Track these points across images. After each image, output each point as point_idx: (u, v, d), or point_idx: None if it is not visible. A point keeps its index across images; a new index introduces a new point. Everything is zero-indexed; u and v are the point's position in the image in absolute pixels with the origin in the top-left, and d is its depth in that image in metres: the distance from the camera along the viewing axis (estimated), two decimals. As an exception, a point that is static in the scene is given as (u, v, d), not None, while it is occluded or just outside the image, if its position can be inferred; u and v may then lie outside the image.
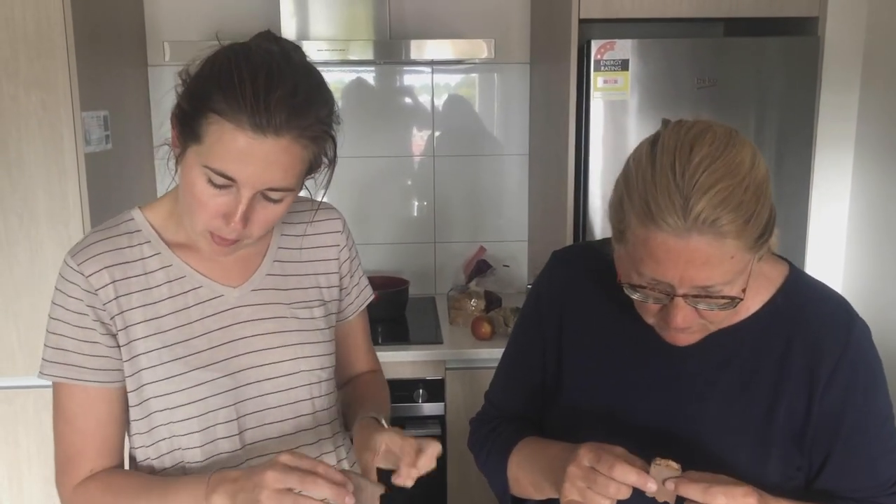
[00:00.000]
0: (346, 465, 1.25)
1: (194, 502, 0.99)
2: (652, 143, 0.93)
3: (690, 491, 0.88)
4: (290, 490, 0.91)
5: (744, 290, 0.93)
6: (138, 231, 1.12)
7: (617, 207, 0.95)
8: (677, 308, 0.93)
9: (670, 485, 0.89)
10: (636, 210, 0.90)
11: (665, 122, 0.96)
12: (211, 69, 0.99)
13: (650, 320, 0.99)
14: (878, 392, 1.03)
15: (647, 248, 0.90)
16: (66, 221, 2.08)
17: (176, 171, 1.05)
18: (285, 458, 0.93)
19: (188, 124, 0.99)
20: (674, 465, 0.91)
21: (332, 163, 1.06)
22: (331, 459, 1.21)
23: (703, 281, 0.89)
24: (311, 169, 1.05)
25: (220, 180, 0.98)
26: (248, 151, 0.96)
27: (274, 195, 1.01)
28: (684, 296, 0.91)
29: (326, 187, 1.07)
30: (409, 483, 1.01)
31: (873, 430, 1.03)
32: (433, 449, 1.02)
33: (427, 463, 1.02)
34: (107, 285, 1.07)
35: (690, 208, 0.85)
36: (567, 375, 1.14)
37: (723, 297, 0.92)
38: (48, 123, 2.03)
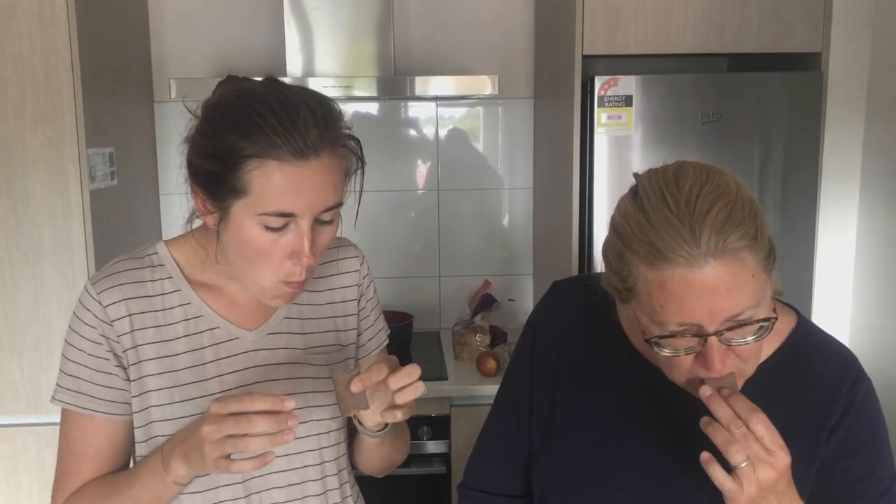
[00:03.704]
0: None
1: (157, 477, 1.00)
2: (633, 194, 0.92)
3: (739, 405, 0.87)
4: (230, 436, 0.90)
5: (774, 311, 0.90)
6: (161, 266, 1.10)
7: (616, 266, 0.92)
8: (713, 350, 0.88)
9: (725, 390, 0.88)
10: (641, 256, 0.87)
11: (637, 175, 0.95)
12: (223, 122, 0.97)
13: (682, 379, 0.94)
14: (881, 454, 1.02)
15: (665, 292, 0.86)
16: (71, 258, 2.08)
17: (217, 238, 1.03)
18: (214, 408, 0.92)
19: (222, 183, 0.97)
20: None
21: (363, 162, 1.05)
22: (336, 498, 1.18)
23: (733, 309, 0.85)
24: (346, 176, 1.04)
25: (278, 221, 0.96)
26: (298, 181, 0.95)
27: (326, 216, 1.00)
28: (717, 333, 0.87)
29: (361, 192, 1.05)
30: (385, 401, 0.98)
31: (874, 491, 1.01)
32: (411, 368, 0.98)
33: (397, 381, 0.97)
34: (123, 318, 1.06)
35: (698, 236, 0.83)
36: (561, 408, 1.12)
37: (756, 322, 0.88)
38: (54, 160, 2.04)
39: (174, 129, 2.72)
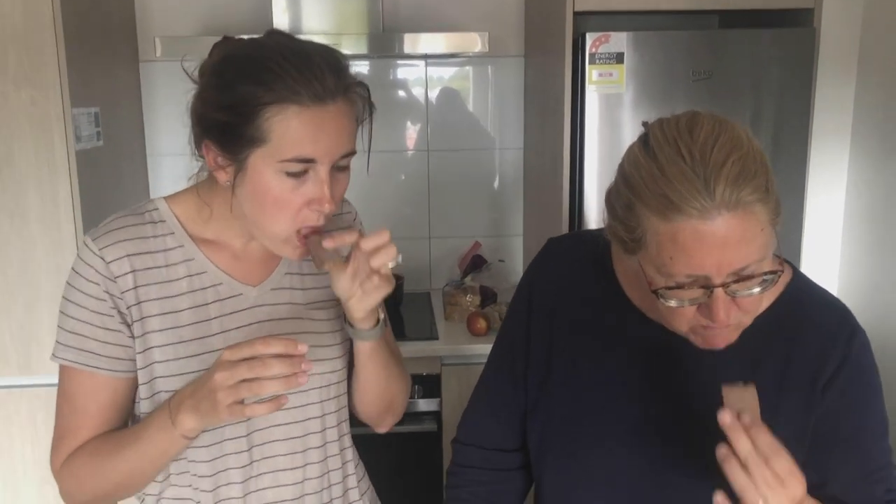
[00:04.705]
0: (350, 469, 1.23)
1: (164, 432, 1.00)
2: (643, 143, 0.91)
3: (760, 439, 0.86)
4: (244, 381, 0.92)
5: (781, 263, 0.90)
6: (162, 221, 1.10)
7: (624, 216, 0.91)
8: (718, 301, 0.88)
9: (746, 418, 0.87)
10: (653, 208, 0.86)
11: (645, 124, 0.94)
12: (238, 72, 0.97)
13: (684, 328, 0.94)
14: (874, 405, 1.03)
15: (676, 244, 0.85)
16: (58, 219, 2.06)
17: (233, 191, 1.02)
18: (227, 354, 0.93)
19: (239, 135, 0.97)
20: (740, 384, 0.90)
21: (373, 108, 1.06)
22: (335, 463, 1.20)
23: (741, 262, 0.86)
24: (358, 124, 1.05)
25: (298, 167, 0.97)
26: (318, 125, 0.96)
27: (342, 163, 1.02)
28: (723, 285, 0.87)
29: (370, 139, 1.06)
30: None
31: (868, 442, 1.03)
32: (381, 230, 1.00)
33: (368, 242, 0.99)
34: (127, 273, 1.05)
35: (713, 188, 0.83)
36: (557, 364, 1.13)
37: (761, 275, 0.89)
38: (38, 120, 2.01)
39: (160, 89, 2.69)
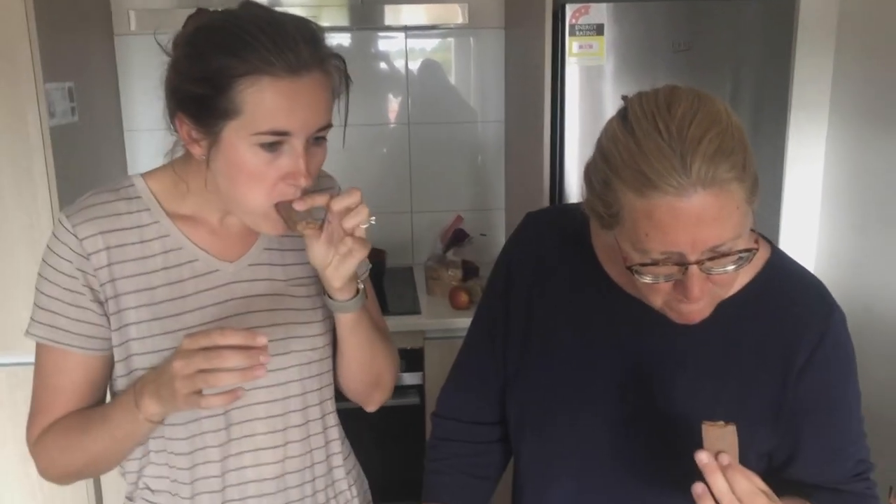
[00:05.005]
0: (335, 448, 1.22)
1: (129, 415, 1.00)
2: (621, 118, 0.90)
3: (737, 483, 0.86)
4: (201, 371, 0.90)
5: (756, 241, 0.91)
6: (138, 198, 1.08)
7: (601, 192, 0.90)
8: (693, 278, 0.87)
9: (724, 458, 0.87)
10: (630, 184, 0.86)
11: (624, 98, 0.93)
12: (210, 44, 0.95)
13: (658, 302, 0.94)
14: (849, 382, 1.04)
15: (651, 220, 0.85)
16: (34, 195, 2.03)
17: (207, 165, 1.00)
18: (185, 343, 0.92)
19: (213, 107, 0.95)
20: (721, 424, 0.88)
21: (349, 81, 1.05)
22: (318, 441, 1.19)
23: (716, 240, 0.85)
24: (334, 96, 1.04)
25: (273, 140, 0.96)
26: (293, 97, 0.95)
27: (319, 135, 1.00)
28: (698, 262, 0.87)
29: (347, 111, 1.05)
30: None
31: (841, 419, 1.04)
32: (351, 189, 1.00)
33: (338, 202, 0.99)
34: (100, 251, 1.04)
35: (689, 164, 0.82)
36: (536, 337, 1.13)
37: (736, 253, 0.89)
38: (10, 95, 1.97)
39: (136, 63, 2.64)
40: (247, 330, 0.92)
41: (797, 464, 1.04)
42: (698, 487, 0.87)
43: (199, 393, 0.92)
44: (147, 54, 2.56)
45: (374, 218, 1.01)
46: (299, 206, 0.98)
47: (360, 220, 0.99)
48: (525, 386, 1.14)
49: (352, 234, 1.00)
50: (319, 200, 0.99)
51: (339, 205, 0.99)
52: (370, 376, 1.21)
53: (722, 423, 0.88)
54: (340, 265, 1.02)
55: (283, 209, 1.00)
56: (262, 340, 0.91)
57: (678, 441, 0.96)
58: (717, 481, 0.86)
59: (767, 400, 1.02)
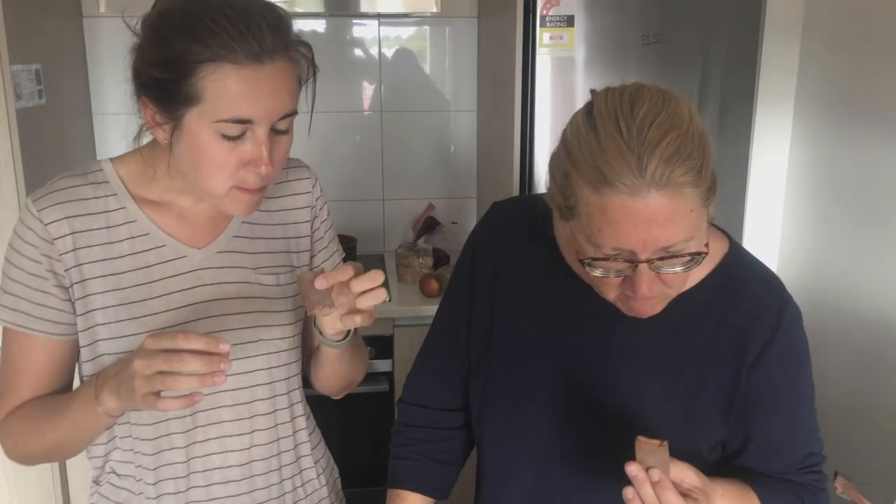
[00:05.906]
0: (303, 437, 1.23)
1: (87, 407, 1.00)
2: (587, 112, 0.91)
3: (665, 499, 0.88)
4: (161, 372, 0.90)
5: (706, 245, 0.93)
6: (106, 182, 1.08)
7: (562, 184, 0.92)
8: (642, 276, 0.90)
9: (655, 475, 0.88)
10: (587, 179, 0.87)
11: (593, 92, 0.95)
12: (173, 27, 0.94)
13: (611, 296, 0.97)
14: (801, 375, 1.07)
15: (605, 216, 0.87)
16: (-1, 179, 2.01)
17: (170, 150, 1.00)
18: (148, 342, 0.92)
19: (174, 92, 0.94)
20: (656, 442, 0.89)
21: (315, 69, 1.04)
22: (286, 430, 1.20)
23: (666, 240, 0.87)
24: (300, 84, 1.03)
25: (235, 129, 0.95)
26: (255, 85, 0.94)
27: (282, 124, 0.99)
28: (648, 261, 0.89)
29: (313, 99, 1.04)
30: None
31: (792, 411, 1.07)
32: (374, 273, 0.98)
33: (360, 284, 0.97)
34: (65, 236, 1.03)
35: (645, 165, 0.84)
36: (498, 325, 1.15)
37: (687, 255, 0.90)
38: (-24, 77, 1.94)
39: (105, 45, 2.61)
40: (210, 335, 0.91)
41: (747, 453, 1.07)
42: (629, 492, 0.90)
43: (157, 394, 0.92)
44: (116, 36, 2.50)
45: (388, 298, 0.99)
46: (320, 285, 0.96)
47: (375, 302, 0.98)
48: (488, 372, 1.16)
49: (362, 312, 0.99)
50: (341, 277, 0.97)
51: (360, 287, 0.97)
52: (346, 382, 1.25)
53: (657, 441, 0.89)
54: (337, 322, 1.03)
55: (303, 285, 0.97)
56: (224, 347, 0.90)
57: (632, 431, 0.98)
58: (647, 492, 0.89)
59: (721, 392, 1.04)
